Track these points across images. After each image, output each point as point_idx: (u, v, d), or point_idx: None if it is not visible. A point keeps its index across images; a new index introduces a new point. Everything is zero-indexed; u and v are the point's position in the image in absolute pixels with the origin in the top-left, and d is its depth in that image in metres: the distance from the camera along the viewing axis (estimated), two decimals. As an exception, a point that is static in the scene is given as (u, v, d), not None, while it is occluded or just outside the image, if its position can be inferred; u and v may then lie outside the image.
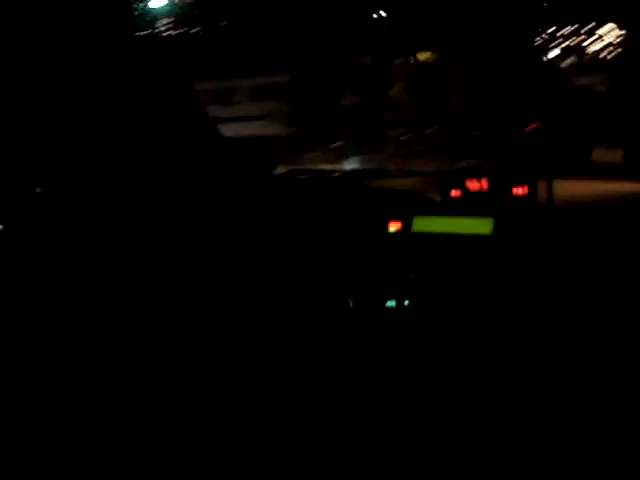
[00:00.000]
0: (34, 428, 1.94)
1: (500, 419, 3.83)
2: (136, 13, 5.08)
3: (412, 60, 7.31)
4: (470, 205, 5.10)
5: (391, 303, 4.83)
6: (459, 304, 4.71)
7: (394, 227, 5.12)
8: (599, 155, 5.71)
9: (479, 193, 5.23)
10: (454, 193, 5.28)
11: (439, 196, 5.33)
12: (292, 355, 2.39)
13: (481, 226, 4.85)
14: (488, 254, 4.74)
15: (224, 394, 2.09)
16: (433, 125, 6.84)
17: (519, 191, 5.24)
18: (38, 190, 1.85)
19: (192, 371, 2.07)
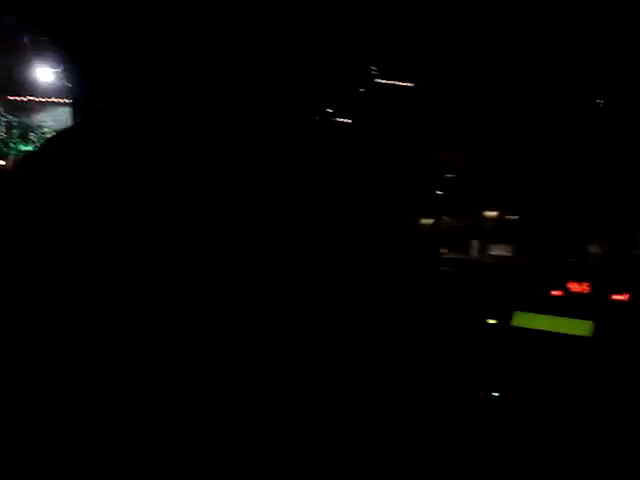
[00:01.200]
0: (34, 428, 1.94)
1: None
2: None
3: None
4: (571, 305, 5.16)
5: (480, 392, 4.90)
6: (549, 402, 4.74)
7: (493, 319, 5.22)
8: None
9: (580, 294, 5.30)
10: (555, 293, 5.36)
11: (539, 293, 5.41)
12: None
13: (581, 328, 4.91)
14: (587, 356, 4.79)
15: (225, 394, 2.08)
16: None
17: (620, 297, 5.29)
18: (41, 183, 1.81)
19: (194, 370, 2.05)
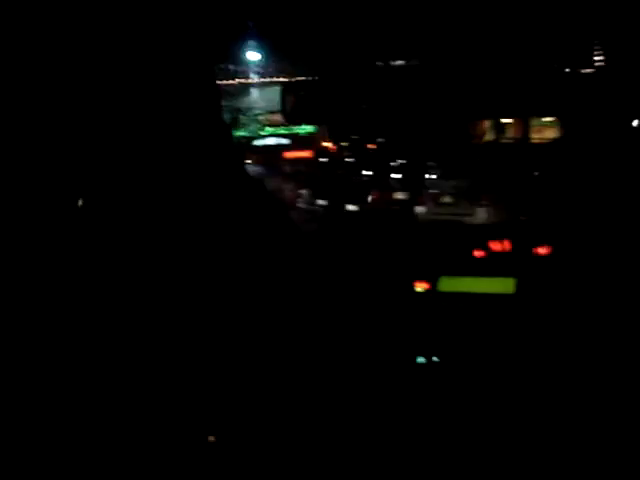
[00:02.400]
0: (34, 428, 1.94)
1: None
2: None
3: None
4: (493, 265, 5.28)
5: (420, 359, 4.99)
6: (483, 359, 4.84)
7: (421, 287, 5.31)
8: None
9: (502, 253, 5.42)
10: (477, 253, 5.47)
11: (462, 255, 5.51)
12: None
13: (503, 286, 5.02)
14: (511, 312, 4.90)
15: (226, 394, 2.10)
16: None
17: (541, 251, 5.42)
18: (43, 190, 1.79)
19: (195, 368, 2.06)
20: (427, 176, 7.10)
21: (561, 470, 3.68)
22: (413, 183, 6.98)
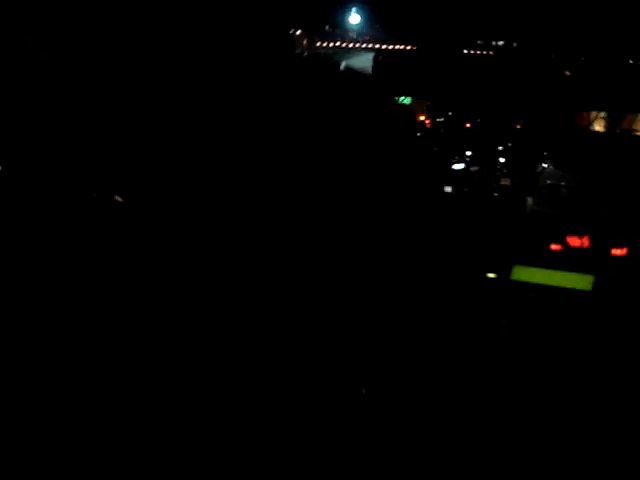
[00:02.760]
0: (34, 428, 1.92)
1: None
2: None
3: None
4: (570, 259, 5.18)
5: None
6: (551, 355, 4.77)
7: (493, 274, 5.23)
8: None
9: (579, 248, 5.32)
10: (554, 247, 5.37)
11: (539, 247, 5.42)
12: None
13: (581, 282, 4.93)
14: (586, 310, 4.81)
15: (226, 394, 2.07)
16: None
17: (619, 251, 5.31)
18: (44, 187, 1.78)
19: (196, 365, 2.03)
20: (533, 164, 6.91)
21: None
22: (518, 169, 6.79)
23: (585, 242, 5.35)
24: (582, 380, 4.45)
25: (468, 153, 7.29)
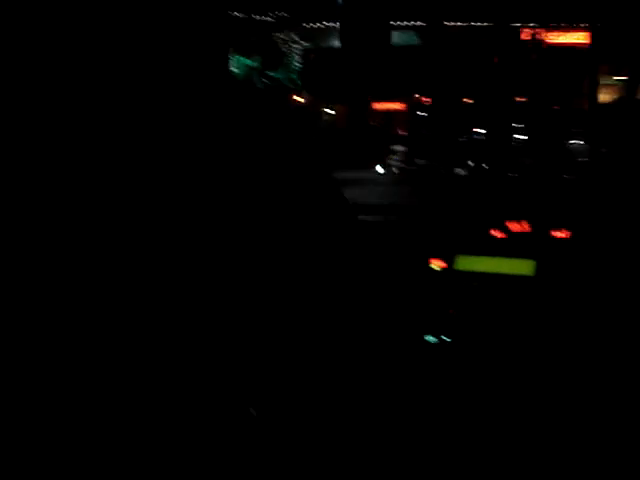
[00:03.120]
0: (34, 427, 1.93)
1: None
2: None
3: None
4: (512, 245, 5.18)
5: (430, 338, 4.90)
6: (497, 342, 4.76)
7: (437, 265, 5.20)
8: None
9: (521, 234, 5.31)
10: (495, 233, 5.36)
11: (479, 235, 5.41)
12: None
13: (524, 267, 4.92)
14: (530, 295, 4.81)
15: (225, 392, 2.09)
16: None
17: (561, 234, 5.32)
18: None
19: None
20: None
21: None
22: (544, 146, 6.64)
23: (525, 227, 5.35)
24: (532, 367, 4.45)
25: (479, 130, 7.14)
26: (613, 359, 4.35)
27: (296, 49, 18.88)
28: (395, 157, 15.20)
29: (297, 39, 18.91)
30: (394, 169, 14.23)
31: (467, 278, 5.06)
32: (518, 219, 5.45)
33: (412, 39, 19.26)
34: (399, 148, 15.15)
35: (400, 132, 17.32)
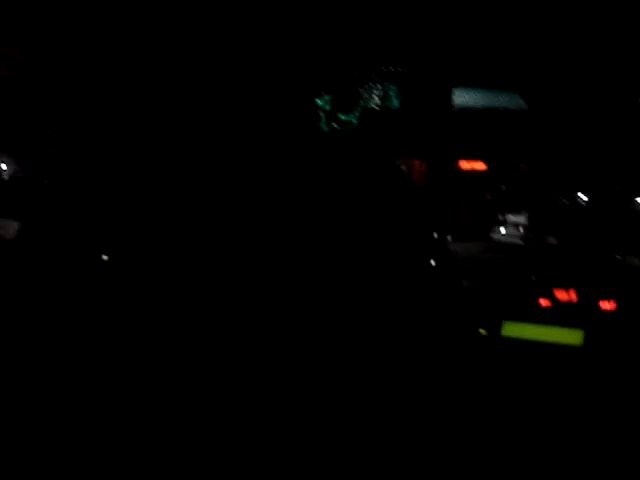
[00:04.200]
0: (34, 427, 1.95)
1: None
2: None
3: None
4: (559, 314, 5.19)
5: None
6: (545, 411, 4.72)
7: (483, 330, 5.22)
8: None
9: (568, 303, 5.33)
10: (543, 302, 5.38)
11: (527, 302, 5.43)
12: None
13: (571, 336, 4.93)
14: (579, 365, 4.80)
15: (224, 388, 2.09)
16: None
17: (608, 304, 5.33)
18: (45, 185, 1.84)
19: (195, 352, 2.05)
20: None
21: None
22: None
23: (573, 296, 5.37)
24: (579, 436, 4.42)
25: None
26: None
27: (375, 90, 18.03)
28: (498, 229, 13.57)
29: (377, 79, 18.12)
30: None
31: (514, 345, 5.07)
32: (566, 288, 5.47)
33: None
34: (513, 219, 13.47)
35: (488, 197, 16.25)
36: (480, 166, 17.36)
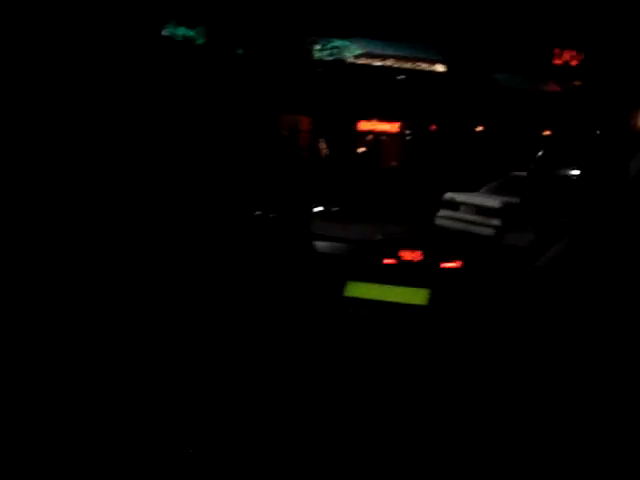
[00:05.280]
0: (34, 427, 1.96)
1: None
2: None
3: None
4: (404, 274, 5.08)
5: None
6: (391, 371, 4.64)
7: (326, 291, 5.06)
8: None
9: (413, 263, 5.23)
10: (387, 261, 5.26)
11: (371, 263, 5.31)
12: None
13: (416, 296, 4.83)
14: (423, 324, 4.72)
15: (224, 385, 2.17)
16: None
17: (452, 264, 5.26)
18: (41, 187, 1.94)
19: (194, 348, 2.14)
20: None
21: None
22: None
23: (418, 256, 5.27)
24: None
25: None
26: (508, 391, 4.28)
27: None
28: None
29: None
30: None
31: (358, 305, 4.93)
32: (411, 248, 5.38)
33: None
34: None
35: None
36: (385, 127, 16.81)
